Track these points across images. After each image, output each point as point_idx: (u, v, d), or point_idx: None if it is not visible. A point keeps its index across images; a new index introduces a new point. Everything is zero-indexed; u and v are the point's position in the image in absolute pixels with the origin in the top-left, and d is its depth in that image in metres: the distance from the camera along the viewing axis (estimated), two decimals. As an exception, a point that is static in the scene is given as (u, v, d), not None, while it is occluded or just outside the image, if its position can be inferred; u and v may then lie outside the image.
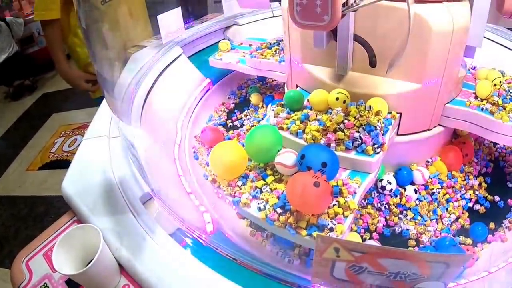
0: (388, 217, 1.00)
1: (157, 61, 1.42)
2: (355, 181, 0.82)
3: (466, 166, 1.12)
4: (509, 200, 1.04)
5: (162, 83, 1.34)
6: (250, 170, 0.86)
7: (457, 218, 1.01)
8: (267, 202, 0.79)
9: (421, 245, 0.94)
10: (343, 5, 0.67)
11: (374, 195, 1.04)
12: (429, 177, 1.06)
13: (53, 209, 2.79)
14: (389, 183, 1.02)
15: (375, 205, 1.02)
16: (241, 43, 1.53)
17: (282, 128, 0.92)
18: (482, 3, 0.89)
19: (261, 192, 0.81)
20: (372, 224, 0.98)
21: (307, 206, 0.71)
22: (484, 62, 1.15)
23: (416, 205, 1.03)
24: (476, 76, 1.12)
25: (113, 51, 1.23)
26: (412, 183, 1.06)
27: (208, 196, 1.01)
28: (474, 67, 1.20)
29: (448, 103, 1.01)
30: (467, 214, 1.02)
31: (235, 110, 1.47)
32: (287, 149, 0.83)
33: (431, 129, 1.03)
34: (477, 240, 0.96)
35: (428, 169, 1.07)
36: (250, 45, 1.49)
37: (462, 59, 0.99)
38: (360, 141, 0.84)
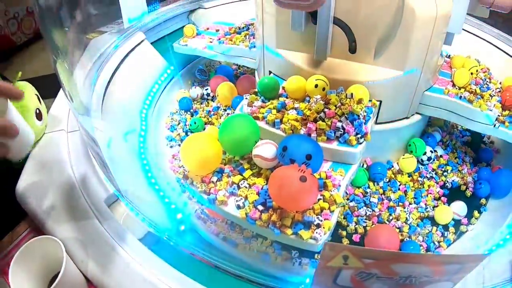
0: (438, 181, 1.09)
1: (118, 48, 1.33)
2: (339, 172, 0.77)
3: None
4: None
5: (124, 70, 1.26)
6: (225, 164, 0.80)
7: (465, 152, 1.18)
8: (246, 198, 0.73)
9: (470, 186, 1.07)
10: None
11: (422, 169, 1.11)
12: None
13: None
14: (431, 151, 1.11)
15: (427, 176, 1.10)
16: (207, 28, 1.47)
17: (257, 118, 0.86)
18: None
19: (239, 188, 0.75)
20: (436, 193, 1.06)
21: (293, 203, 0.65)
22: (458, 51, 1.16)
23: (448, 159, 1.14)
24: (452, 64, 1.13)
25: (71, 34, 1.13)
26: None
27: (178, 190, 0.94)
28: (449, 55, 1.19)
29: (426, 90, 0.99)
30: (468, 148, 1.20)
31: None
32: (266, 140, 0.77)
33: (409, 117, 1.01)
34: (489, 161, 1.16)
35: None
36: (217, 30, 1.43)
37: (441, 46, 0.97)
38: (342, 131, 0.80)
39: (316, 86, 0.86)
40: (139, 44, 1.39)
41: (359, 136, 0.80)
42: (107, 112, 1.05)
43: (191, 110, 1.34)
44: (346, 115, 0.81)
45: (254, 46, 1.20)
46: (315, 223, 0.68)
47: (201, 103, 1.37)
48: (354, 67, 0.91)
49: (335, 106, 0.83)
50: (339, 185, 0.75)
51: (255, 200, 0.72)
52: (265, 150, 0.74)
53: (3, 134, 0.64)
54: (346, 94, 0.85)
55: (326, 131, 0.80)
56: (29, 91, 0.93)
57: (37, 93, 0.95)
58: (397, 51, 0.87)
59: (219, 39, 1.31)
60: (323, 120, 0.81)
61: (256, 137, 0.78)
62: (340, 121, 0.80)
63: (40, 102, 0.96)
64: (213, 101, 1.36)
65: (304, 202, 0.66)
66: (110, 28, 1.55)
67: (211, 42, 1.34)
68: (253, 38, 1.26)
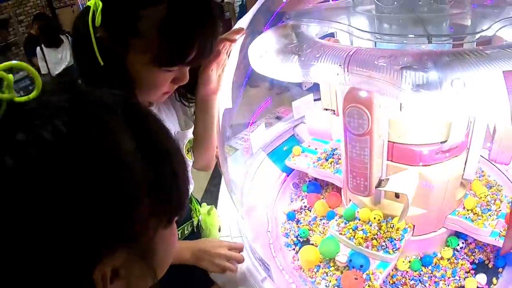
0: (469, 259, 1.57)
1: (249, 167, 2.12)
2: (379, 271, 1.50)
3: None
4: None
5: (254, 185, 2.02)
6: (321, 262, 1.59)
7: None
8: (330, 282, 1.51)
9: (492, 260, 1.54)
10: (376, 186, 1.41)
11: (457, 254, 1.61)
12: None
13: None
14: (463, 242, 1.60)
15: (461, 258, 1.60)
16: (309, 145, 2.17)
17: (342, 233, 1.60)
18: (475, 154, 1.54)
19: (327, 275, 1.54)
20: (467, 268, 1.55)
21: (352, 289, 1.44)
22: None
23: (476, 244, 1.61)
24: (471, 187, 1.65)
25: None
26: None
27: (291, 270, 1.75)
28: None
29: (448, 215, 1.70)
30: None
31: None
32: (341, 252, 1.55)
33: (436, 231, 1.71)
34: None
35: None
36: (316, 149, 2.15)
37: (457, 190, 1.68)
38: (385, 246, 1.54)
39: (374, 218, 1.62)
40: (262, 161, 2.19)
41: (394, 249, 1.52)
42: (250, 218, 1.89)
43: (295, 219, 1.87)
44: (388, 238, 1.57)
45: (337, 172, 1.90)
46: (362, 298, 1.45)
47: (301, 213, 1.94)
48: (397, 206, 1.61)
49: (384, 231, 1.58)
50: (378, 278, 1.47)
51: (334, 284, 1.49)
52: (341, 258, 1.50)
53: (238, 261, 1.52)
54: (391, 225, 1.61)
55: (377, 246, 1.56)
56: (215, 214, 1.78)
57: (219, 215, 1.84)
58: (421, 200, 1.58)
59: (314, 163, 1.98)
60: (377, 240, 1.57)
61: (337, 249, 1.55)
62: (384, 241, 1.55)
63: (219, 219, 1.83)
64: (310, 211, 1.93)
65: (357, 289, 1.44)
66: (240, 146, 2.40)
67: (310, 161, 2.11)
68: (337, 164, 1.97)
